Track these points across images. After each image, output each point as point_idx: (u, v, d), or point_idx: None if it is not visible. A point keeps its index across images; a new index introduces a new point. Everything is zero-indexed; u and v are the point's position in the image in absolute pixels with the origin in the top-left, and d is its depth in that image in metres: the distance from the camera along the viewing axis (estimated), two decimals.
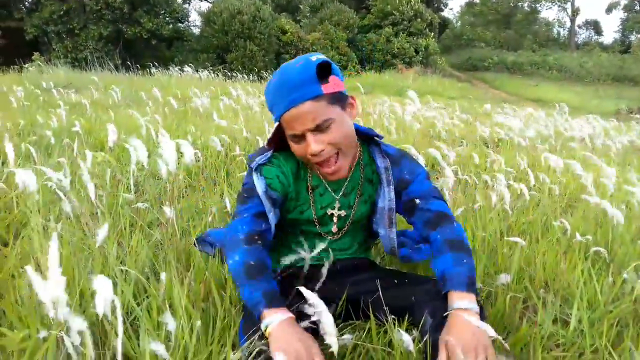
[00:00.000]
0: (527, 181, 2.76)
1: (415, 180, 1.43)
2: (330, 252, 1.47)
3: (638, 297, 1.60)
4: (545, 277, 1.80)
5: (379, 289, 1.39)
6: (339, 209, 1.46)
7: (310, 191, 1.44)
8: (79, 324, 0.81)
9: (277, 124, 1.30)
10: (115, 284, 1.43)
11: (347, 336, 1.28)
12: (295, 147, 1.30)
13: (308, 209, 1.44)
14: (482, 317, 1.20)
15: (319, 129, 1.24)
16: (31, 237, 1.71)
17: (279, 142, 1.37)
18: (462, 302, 1.19)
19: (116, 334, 0.90)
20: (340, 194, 1.45)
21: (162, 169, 1.74)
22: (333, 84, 1.26)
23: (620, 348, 1.40)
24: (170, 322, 1.08)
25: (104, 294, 0.80)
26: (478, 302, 1.22)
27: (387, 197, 1.43)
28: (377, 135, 1.43)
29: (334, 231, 1.49)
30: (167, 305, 1.36)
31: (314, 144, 1.24)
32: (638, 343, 1.39)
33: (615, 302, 1.60)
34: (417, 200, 1.40)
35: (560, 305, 1.65)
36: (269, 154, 1.38)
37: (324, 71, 1.24)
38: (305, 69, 1.22)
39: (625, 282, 1.65)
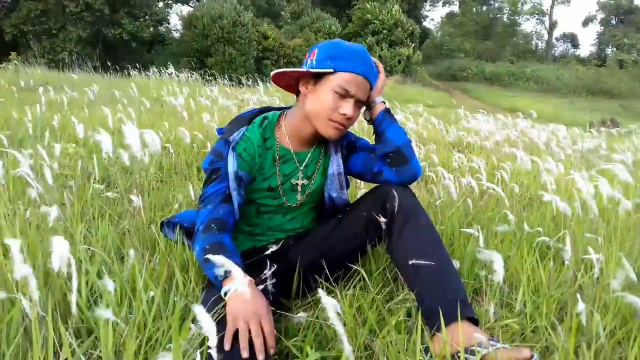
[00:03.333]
0: (490, 180, 2.86)
1: (366, 141, 1.70)
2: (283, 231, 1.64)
3: (582, 284, 1.69)
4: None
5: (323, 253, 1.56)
6: (302, 179, 1.59)
7: (277, 161, 1.55)
8: (33, 283, 0.86)
9: (329, 70, 1.43)
10: (80, 263, 1.48)
11: (301, 314, 1.35)
12: (331, 99, 1.44)
13: (272, 177, 1.55)
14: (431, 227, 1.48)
15: (358, 103, 1.48)
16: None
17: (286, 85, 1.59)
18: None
19: (71, 291, 0.95)
20: (304, 164, 1.59)
21: (125, 159, 1.81)
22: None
23: (561, 327, 1.49)
24: (109, 285, 1.13)
25: (60, 251, 0.85)
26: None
27: (335, 164, 1.60)
28: None
29: (298, 199, 1.61)
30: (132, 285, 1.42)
31: (352, 110, 1.45)
32: (572, 324, 1.47)
33: (558, 288, 1.70)
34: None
35: (509, 292, 1.74)
36: (243, 129, 1.49)
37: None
38: (374, 67, 1.55)
39: (567, 269, 1.75)
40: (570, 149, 4.67)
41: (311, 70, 1.45)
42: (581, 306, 1.18)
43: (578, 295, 1.24)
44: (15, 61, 12.52)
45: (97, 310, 1.01)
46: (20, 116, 4.20)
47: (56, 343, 1.07)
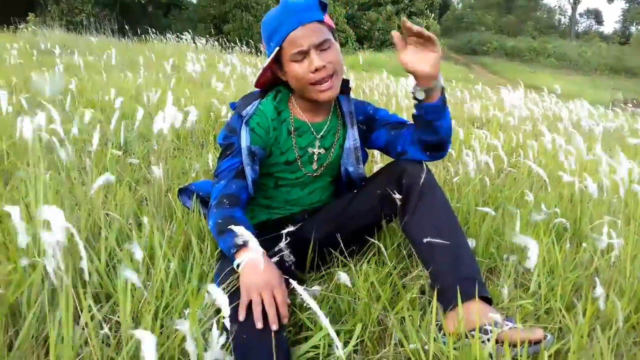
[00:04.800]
0: (504, 160, 2.83)
1: (393, 116, 1.62)
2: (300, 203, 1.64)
3: (598, 267, 1.68)
4: (512, 246, 1.88)
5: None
6: (319, 147, 1.58)
7: (293, 133, 1.53)
8: (55, 249, 0.87)
9: (276, 49, 1.39)
10: (99, 230, 1.50)
11: (315, 287, 1.36)
12: (297, 68, 1.39)
13: (289, 151, 1.54)
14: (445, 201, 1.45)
15: (322, 47, 1.38)
16: (19, 186, 1.77)
17: (267, 82, 1.53)
18: None
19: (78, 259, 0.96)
20: (320, 134, 1.57)
21: (156, 129, 1.81)
22: (328, 19, 1.43)
23: (574, 311, 1.49)
24: (137, 251, 1.14)
25: (58, 222, 0.86)
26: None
27: (351, 138, 1.58)
28: (348, 81, 1.56)
29: (314, 169, 1.60)
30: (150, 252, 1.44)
31: (318, 59, 1.36)
32: (586, 305, 1.47)
33: (574, 270, 1.69)
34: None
35: (524, 273, 1.74)
36: (255, 103, 1.48)
37: (322, 5, 1.41)
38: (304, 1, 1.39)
39: (584, 252, 1.74)
40: (593, 127, 4.59)
41: (268, 61, 1.43)
42: (599, 291, 1.18)
43: (596, 279, 1.24)
44: (33, 23, 12.55)
45: (120, 272, 1.02)
46: (39, 79, 4.21)
47: (78, 307, 1.09)
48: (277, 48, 1.38)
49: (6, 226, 1.51)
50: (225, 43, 13.67)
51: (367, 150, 1.72)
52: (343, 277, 1.27)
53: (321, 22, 1.39)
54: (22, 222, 0.98)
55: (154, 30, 13.48)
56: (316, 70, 1.37)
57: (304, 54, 1.37)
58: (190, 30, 12.84)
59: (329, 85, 1.41)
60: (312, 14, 1.38)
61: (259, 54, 13.07)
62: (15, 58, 5.64)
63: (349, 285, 1.25)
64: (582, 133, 3.96)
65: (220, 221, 1.34)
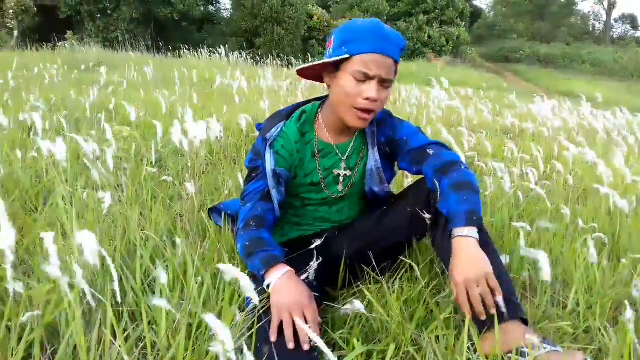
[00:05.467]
0: (541, 171, 2.79)
1: (411, 138, 1.53)
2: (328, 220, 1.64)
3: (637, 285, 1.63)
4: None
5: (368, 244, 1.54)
6: (345, 169, 1.57)
7: (317, 154, 1.53)
8: (79, 272, 0.90)
9: (343, 56, 1.37)
10: (135, 249, 1.53)
11: (347, 306, 1.34)
12: (352, 84, 1.37)
13: (313, 173, 1.54)
14: (487, 243, 1.32)
15: (384, 83, 1.38)
16: (58, 204, 1.82)
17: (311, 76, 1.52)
18: (460, 231, 1.26)
19: (112, 280, 0.98)
20: (345, 156, 1.56)
21: (185, 145, 1.84)
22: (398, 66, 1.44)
23: (615, 329, 1.45)
24: (162, 277, 1.16)
25: (90, 247, 0.88)
26: (482, 230, 1.30)
27: (372, 159, 1.56)
28: None
29: (339, 190, 1.59)
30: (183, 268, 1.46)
31: (375, 92, 1.36)
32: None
33: (613, 287, 1.65)
34: (430, 151, 1.48)
35: (563, 290, 1.70)
36: (280, 125, 1.48)
37: (403, 50, 1.43)
38: (399, 37, 1.41)
39: (623, 267, 1.69)
40: (628, 137, 4.47)
41: (328, 60, 1.41)
42: (629, 314, 1.15)
43: (626, 302, 1.20)
44: (72, 40, 12.94)
45: (152, 299, 1.04)
46: (78, 96, 4.34)
47: (114, 327, 1.11)
48: (347, 56, 1.37)
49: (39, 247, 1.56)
50: (256, 57, 13.82)
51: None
52: (357, 304, 1.26)
53: (396, 63, 1.41)
54: (54, 246, 1.00)
55: (187, 47, 13.73)
56: (367, 99, 1.37)
57: (367, 78, 1.36)
58: (223, 46, 13.03)
59: (365, 117, 1.41)
60: (396, 51, 1.39)
61: (289, 67, 13.18)
62: (55, 76, 5.82)
63: (364, 311, 1.25)
64: (618, 144, 3.86)
65: (247, 243, 1.36)
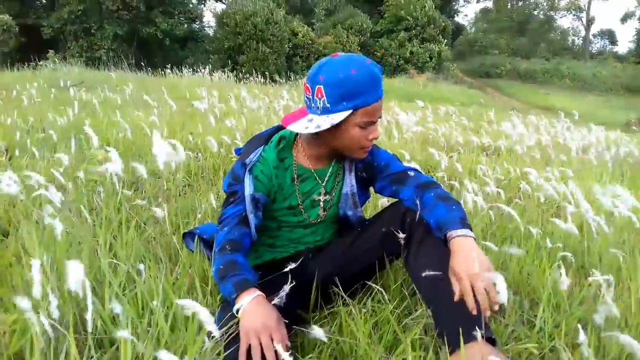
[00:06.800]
0: (517, 189, 2.83)
1: (391, 162, 1.60)
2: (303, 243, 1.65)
3: (603, 301, 1.66)
4: (518, 280, 1.87)
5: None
6: (325, 194, 1.59)
7: (296, 180, 1.55)
8: (54, 301, 0.90)
9: (347, 112, 1.36)
10: (104, 276, 1.53)
11: (317, 330, 1.34)
12: (358, 133, 1.41)
13: (291, 196, 1.56)
14: None
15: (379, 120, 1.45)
16: (29, 230, 1.82)
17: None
18: (457, 232, 1.29)
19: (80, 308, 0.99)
20: (324, 181, 1.59)
21: (160, 166, 1.85)
22: None
23: (579, 350, 1.47)
24: (116, 307, 1.17)
25: (76, 275, 0.89)
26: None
27: (349, 184, 1.60)
28: None
29: (321, 215, 1.61)
30: (153, 294, 1.46)
31: (379, 131, 1.44)
32: (592, 342, 1.45)
33: (580, 305, 1.67)
34: (411, 173, 1.54)
35: (531, 309, 1.72)
36: (259, 150, 1.50)
37: None
38: (380, 72, 1.42)
39: (590, 287, 1.72)
40: (604, 153, 4.56)
41: (332, 121, 1.37)
42: (582, 337, 1.17)
43: (579, 326, 1.23)
44: (54, 59, 12.90)
45: (115, 331, 1.04)
46: (56, 117, 4.32)
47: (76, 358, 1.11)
48: (350, 112, 1.36)
49: (9, 275, 1.55)
50: (239, 74, 13.89)
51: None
52: (317, 331, 1.26)
53: None
54: (39, 274, 1.01)
55: (169, 65, 13.75)
56: (373, 139, 1.43)
57: (370, 124, 1.41)
58: (206, 64, 13.09)
59: (369, 149, 1.49)
60: (382, 88, 1.42)
61: (272, 84, 13.24)
62: (34, 97, 5.79)
63: (324, 339, 1.26)
64: (590, 162, 3.94)
65: (222, 267, 1.36)
